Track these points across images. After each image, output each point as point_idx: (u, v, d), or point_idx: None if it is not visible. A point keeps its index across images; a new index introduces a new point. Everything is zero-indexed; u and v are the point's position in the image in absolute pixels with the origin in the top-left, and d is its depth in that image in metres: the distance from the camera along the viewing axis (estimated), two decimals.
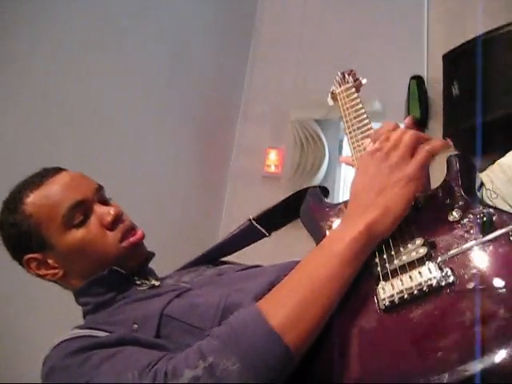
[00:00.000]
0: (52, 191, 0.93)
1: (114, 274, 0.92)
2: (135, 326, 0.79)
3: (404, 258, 0.68)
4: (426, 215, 0.75)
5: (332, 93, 1.19)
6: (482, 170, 0.96)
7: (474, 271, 0.61)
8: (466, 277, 0.61)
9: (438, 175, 0.83)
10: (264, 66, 3.26)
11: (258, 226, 1.10)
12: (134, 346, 0.73)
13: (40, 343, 0.86)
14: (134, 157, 2.32)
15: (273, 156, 3.07)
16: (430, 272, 0.63)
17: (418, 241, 0.69)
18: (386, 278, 0.67)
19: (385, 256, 0.70)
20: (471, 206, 0.70)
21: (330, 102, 1.21)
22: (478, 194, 0.83)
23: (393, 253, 0.70)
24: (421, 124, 2.49)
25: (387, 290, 0.65)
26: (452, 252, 0.64)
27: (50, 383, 0.74)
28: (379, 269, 0.69)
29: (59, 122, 1.92)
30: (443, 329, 0.58)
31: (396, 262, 0.69)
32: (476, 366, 0.52)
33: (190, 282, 0.95)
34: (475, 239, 0.64)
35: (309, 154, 2.93)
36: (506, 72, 2.00)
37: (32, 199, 0.92)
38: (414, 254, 0.68)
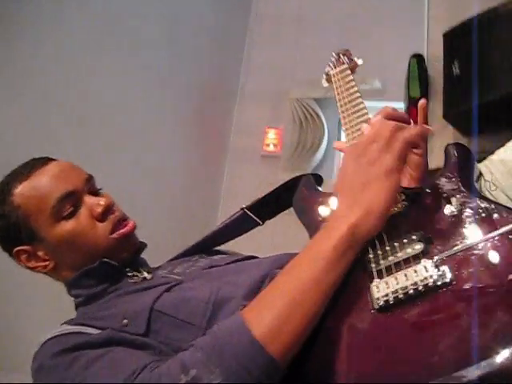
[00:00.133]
0: (41, 182, 0.91)
1: (104, 266, 0.91)
2: (125, 321, 0.78)
3: (399, 254, 0.66)
4: (422, 208, 0.72)
5: (326, 74, 1.15)
6: (479, 160, 0.93)
7: (472, 270, 0.59)
8: (464, 276, 0.59)
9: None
10: (263, 45, 3.22)
11: (251, 215, 1.08)
12: (122, 346, 0.72)
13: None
14: (133, 138, 2.31)
15: (272, 135, 3.05)
16: (427, 270, 0.61)
17: (414, 236, 0.67)
18: (380, 276, 0.65)
19: (379, 252, 0.68)
20: (470, 199, 0.68)
21: (325, 83, 1.17)
22: (476, 184, 0.81)
23: (387, 248, 0.68)
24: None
25: (381, 289, 0.63)
26: (449, 251, 0.62)
27: (38, 383, 0.74)
28: (373, 265, 0.67)
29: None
30: (440, 331, 0.56)
31: (391, 258, 0.66)
32: (474, 372, 0.50)
33: (182, 274, 0.94)
34: (474, 237, 0.62)
35: (308, 133, 2.91)
36: (507, 50, 1.96)
37: (20, 190, 0.90)
38: (409, 250, 0.66)
